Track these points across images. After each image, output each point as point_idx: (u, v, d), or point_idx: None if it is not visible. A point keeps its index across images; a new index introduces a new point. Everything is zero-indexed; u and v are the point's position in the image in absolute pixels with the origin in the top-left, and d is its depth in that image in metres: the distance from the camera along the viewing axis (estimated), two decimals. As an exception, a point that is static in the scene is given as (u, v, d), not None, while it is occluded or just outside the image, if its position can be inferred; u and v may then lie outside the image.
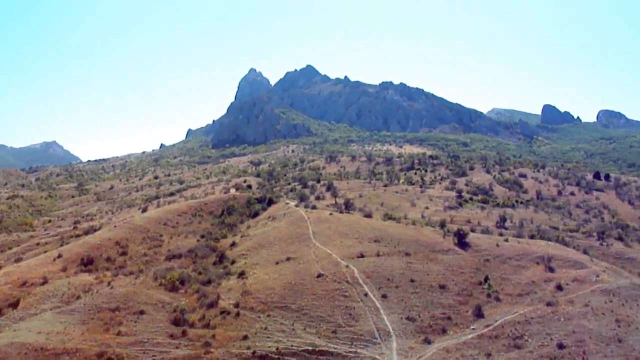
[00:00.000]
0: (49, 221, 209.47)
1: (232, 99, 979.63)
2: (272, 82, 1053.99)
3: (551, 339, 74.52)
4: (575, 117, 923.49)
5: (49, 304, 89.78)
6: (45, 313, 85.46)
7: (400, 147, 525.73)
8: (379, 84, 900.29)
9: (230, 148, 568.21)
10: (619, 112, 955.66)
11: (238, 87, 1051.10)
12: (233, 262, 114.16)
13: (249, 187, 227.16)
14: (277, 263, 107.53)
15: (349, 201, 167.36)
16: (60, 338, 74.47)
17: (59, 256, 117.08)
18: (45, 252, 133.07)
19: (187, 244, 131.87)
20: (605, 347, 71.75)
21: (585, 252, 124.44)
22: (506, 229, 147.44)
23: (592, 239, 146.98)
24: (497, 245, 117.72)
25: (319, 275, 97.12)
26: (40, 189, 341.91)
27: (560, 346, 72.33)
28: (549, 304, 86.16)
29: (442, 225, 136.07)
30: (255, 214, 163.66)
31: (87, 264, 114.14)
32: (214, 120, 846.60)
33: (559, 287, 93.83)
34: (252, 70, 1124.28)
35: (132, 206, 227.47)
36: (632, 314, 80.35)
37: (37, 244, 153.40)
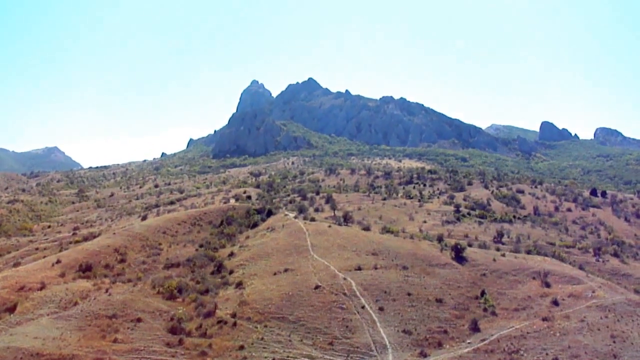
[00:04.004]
0: (49, 226, 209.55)
1: (234, 110, 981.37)
2: (274, 94, 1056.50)
3: (547, 354, 74.81)
4: (573, 134, 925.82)
5: (46, 309, 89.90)
6: (42, 318, 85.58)
7: (400, 161, 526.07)
8: (380, 98, 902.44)
9: (230, 159, 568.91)
10: (616, 130, 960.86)
11: (240, 98, 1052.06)
12: (231, 272, 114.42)
13: (249, 197, 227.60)
14: (275, 274, 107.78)
15: (348, 214, 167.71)
16: (57, 344, 74.64)
17: (58, 262, 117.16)
18: (44, 257, 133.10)
19: (185, 253, 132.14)
20: (600, 362, 72.20)
21: (581, 268, 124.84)
22: (503, 244, 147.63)
23: (588, 255, 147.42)
24: (494, 260, 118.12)
25: (317, 287, 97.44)
26: (40, 194, 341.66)
27: (556, 361, 72.76)
28: (544, 319, 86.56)
29: (440, 239, 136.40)
30: (254, 225, 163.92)
31: (85, 270, 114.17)
32: (215, 131, 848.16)
33: (555, 303, 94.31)
34: (254, 82, 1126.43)
35: (132, 214, 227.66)
36: (628, 329, 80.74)
37: (36, 249, 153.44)
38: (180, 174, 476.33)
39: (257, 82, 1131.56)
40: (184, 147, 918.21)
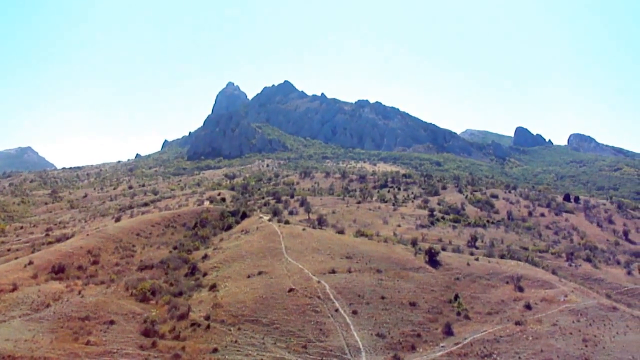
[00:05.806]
0: (21, 227, 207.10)
1: (209, 112, 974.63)
2: (250, 96, 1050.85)
3: (519, 358, 75.41)
4: (547, 139, 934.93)
5: (18, 311, 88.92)
6: (13, 320, 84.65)
7: (374, 165, 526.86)
8: (355, 102, 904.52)
9: (205, 160, 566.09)
10: (589, 136, 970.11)
11: (215, 101, 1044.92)
12: (205, 275, 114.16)
13: (223, 200, 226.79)
14: (248, 277, 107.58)
15: (322, 217, 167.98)
16: (29, 346, 73.94)
17: (30, 263, 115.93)
18: (16, 258, 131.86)
19: (159, 254, 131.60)
20: (571, 366, 72.85)
21: (554, 273, 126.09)
22: (477, 248, 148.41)
23: (561, 259, 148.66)
24: (468, 264, 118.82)
25: (291, 290, 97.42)
26: (13, 195, 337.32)
27: (528, 365, 73.26)
28: (517, 323, 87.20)
29: (414, 243, 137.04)
30: (229, 227, 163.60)
31: (58, 271, 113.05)
32: (190, 132, 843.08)
33: (528, 307, 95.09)
34: (229, 84, 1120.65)
35: (106, 215, 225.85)
36: (599, 334, 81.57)
37: (8, 249, 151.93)
38: (155, 176, 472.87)
39: (233, 84, 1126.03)
40: (158, 148, 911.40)
